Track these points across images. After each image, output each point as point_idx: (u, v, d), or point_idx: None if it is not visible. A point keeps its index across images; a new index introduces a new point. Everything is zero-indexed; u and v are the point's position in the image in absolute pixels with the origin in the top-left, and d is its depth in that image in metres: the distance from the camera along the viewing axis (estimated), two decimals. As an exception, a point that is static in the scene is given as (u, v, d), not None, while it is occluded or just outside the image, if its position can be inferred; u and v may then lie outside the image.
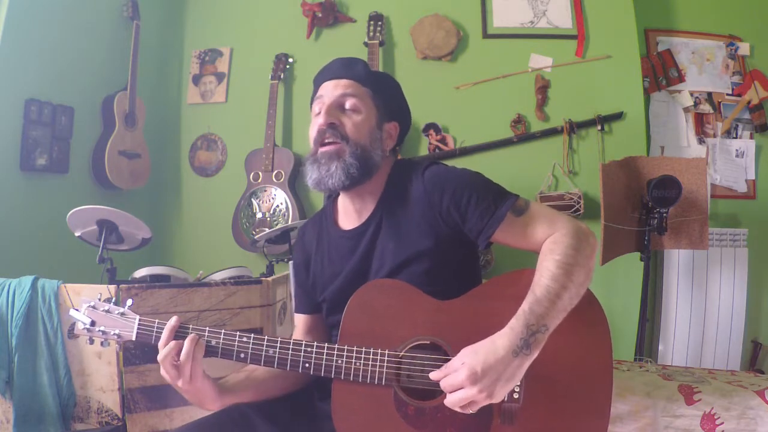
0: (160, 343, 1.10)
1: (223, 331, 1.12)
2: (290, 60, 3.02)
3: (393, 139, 1.28)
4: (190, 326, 1.12)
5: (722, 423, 1.52)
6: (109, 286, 1.73)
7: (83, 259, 2.11)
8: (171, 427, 1.76)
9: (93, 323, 1.14)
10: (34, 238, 2.38)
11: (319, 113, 1.21)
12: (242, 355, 1.11)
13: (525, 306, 1.01)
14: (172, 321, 1.11)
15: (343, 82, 1.21)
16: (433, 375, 1.04)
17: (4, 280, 1.77)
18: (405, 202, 1.19)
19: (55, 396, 1.70)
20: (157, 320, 1.13)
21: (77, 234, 1.96)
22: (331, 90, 1.21)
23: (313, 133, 1.21)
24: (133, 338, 1.14)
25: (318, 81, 1.27)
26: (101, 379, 1.74)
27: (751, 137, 3.06)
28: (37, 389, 1.70)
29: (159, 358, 1.09)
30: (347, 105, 1.20)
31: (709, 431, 1.53)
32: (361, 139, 1.18)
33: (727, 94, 3.08)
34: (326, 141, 1.18)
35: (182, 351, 1.08)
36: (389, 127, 1.26)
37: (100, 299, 1.17)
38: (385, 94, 1.26)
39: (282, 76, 2.98)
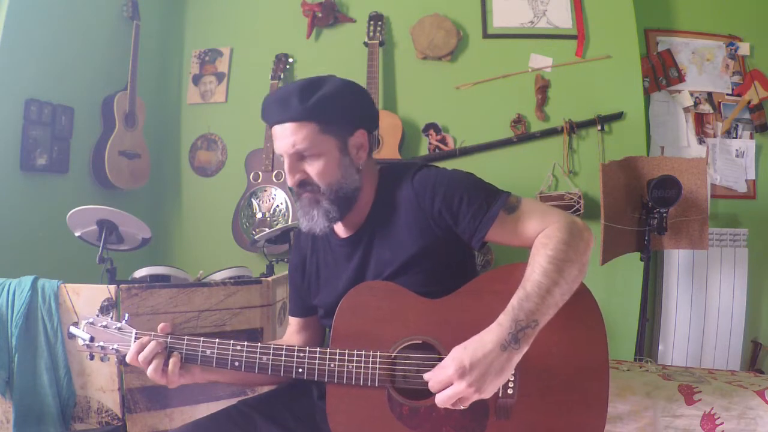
0: (129, 359, 1.13)
1: (217, 340, 1.14)
2: (290, 60, 3.02)
3: (365, 147, 1.18)
4: (168, 336, 1.15)
5: (722, 423, 1.52)
6: (109, 286, 1.73)
7: (83, 259, 2.11)
8: (171, 427, 1.76)
9: (92, 339, 1.16)
10: (34, 238, 2.38)
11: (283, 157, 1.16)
12: (237, 364, 1.13)
13: (514, 301, 1.01)
14: (143, 339, 1.14)
15: (287, 128, 1.11)
16: (427, 376, 1.03)
17: (4, 280, 1.77)
18: (397, 209, 1.18)
19: (55, 396, 1.70)
20: (153, 333, 1.15)
21: (77, 234, 1.96)
22: (281, 142, 1.13)
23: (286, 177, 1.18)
24: None
25: (266, 122, 1.19)
26: (101, 379, 1.74)
27: (751, 137, 3.06)
28: (37, 389, 1.70)
29: (148, 372, 1.14)
30: (304, 153, 1.12)
31: (709, 431, 1.53)
32: (332, 180, 1.14)
33: (727, 94, 3.08)
34: (300, 192, 1.16)
35: (149, 368, 1.12)
36: (355, 141, 1.16)
37: (99, 309, 1.18)
38: (334, 113, 1.12)
39: (282, 76, 2.98)
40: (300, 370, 1.11)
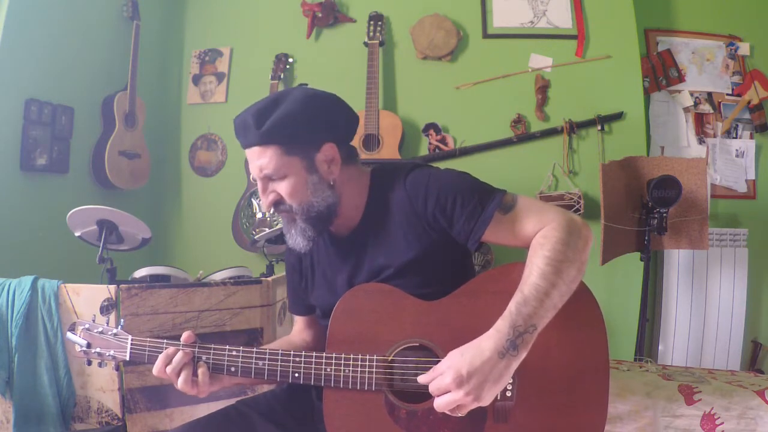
0: (157, 371, 1.11)
1: (213, 346, 1.12)
2: (290, 60, 3.02)
3: (336, 161, 1.13)
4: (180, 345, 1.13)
5: (722, 423, 1.52)
6: (109, 286, 1.73)
7: (83, 259, 2.11)
8: (171, 427, 1.76)
9: (89, 345, 1.15)
10: (34, 238, 2.38)
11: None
12: (233, 369, 1.11)
13: (512, 306, 0.99)
14: (169, 350, 1.11)
15: (254, 152, 1.10)
16: (422, 379, 1.03)
17: (4, 280, 1.77)
18: (390, 212, 1.16)
19: (55, 396, 1.70)
20: (148, 339, 1.14)
21: (77, 234, 1.96)
22: (251, 165, 1.13)
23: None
24: (127, 358, 1.14)
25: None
26: (101, 379, 1.74)
27: (751, 137, 3.06)
28: (37, 389, 1.70)
29: (179, 384, 1.11)
30: (272, 177, 1.11)
31: (709, 431, 1.53)
32: (303, 199, 1.12)
33: (727, 94, 3.08)
34: (278, 212, 1.16)
35: (179, 380, 1.10)
36: (323, 156, 1.12)
37: (99, 309, 1.17)
38: (294, 133, 1.08)
39: (282, 76, 2.98)
40: (296, 374, 1.10)
